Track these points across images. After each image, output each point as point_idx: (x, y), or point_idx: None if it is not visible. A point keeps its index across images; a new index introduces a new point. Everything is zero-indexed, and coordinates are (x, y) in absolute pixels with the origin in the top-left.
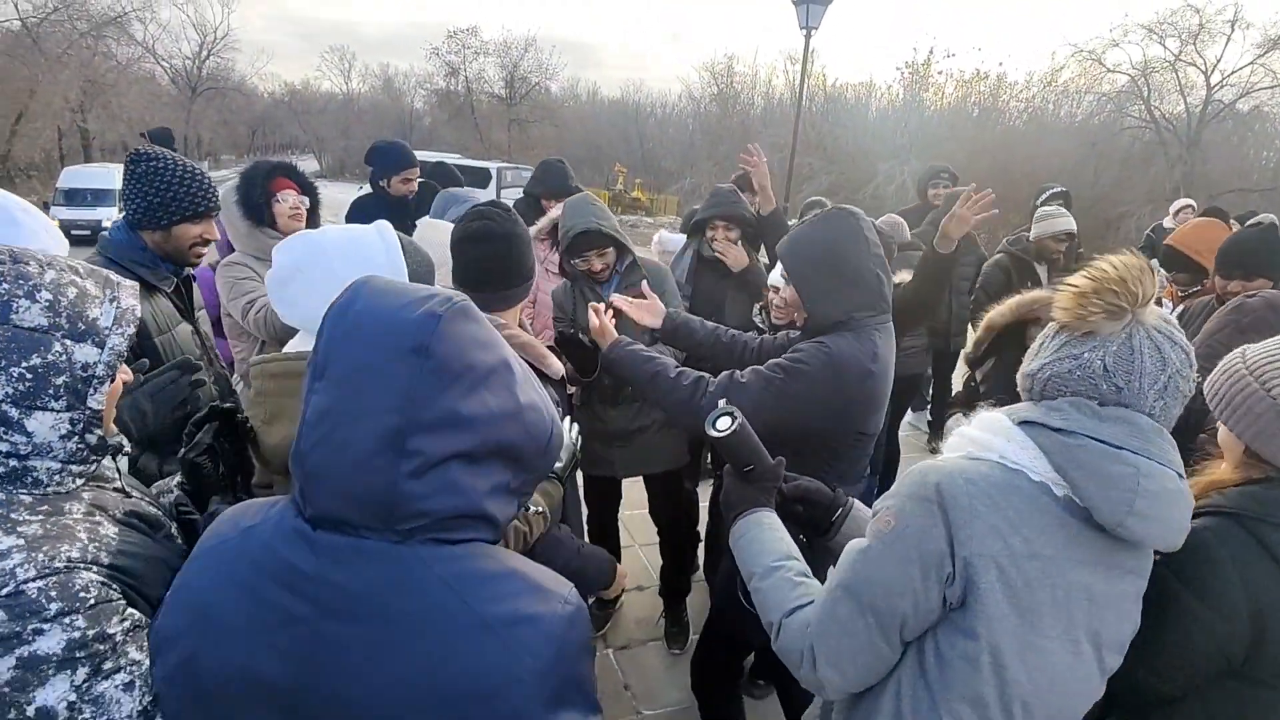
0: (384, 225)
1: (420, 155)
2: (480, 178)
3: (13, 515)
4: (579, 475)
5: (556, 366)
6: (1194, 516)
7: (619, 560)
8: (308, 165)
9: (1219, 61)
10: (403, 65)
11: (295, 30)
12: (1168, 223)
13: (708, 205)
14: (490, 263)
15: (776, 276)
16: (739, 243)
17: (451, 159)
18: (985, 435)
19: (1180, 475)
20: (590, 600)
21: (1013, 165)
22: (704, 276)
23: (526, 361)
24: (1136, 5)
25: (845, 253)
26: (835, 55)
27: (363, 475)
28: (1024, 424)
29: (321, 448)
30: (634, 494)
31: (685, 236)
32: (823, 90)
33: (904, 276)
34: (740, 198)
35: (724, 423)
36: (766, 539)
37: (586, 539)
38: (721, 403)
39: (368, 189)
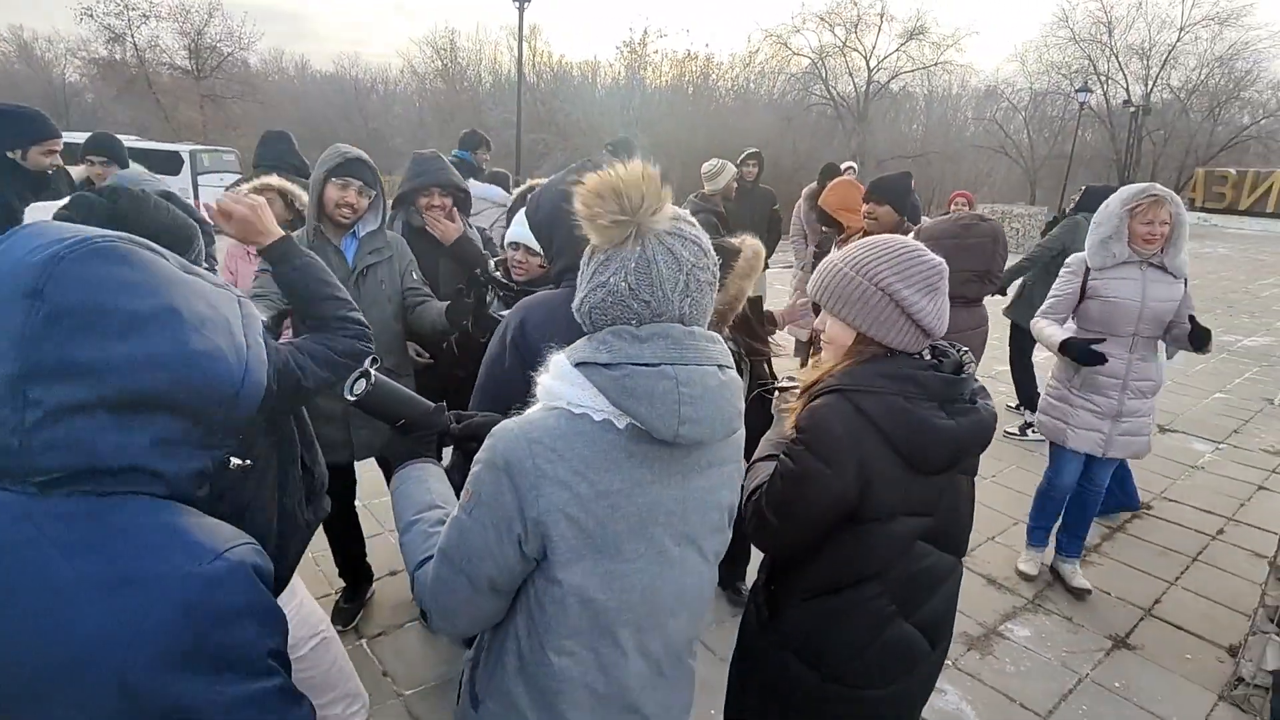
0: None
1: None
2: (169, 162)
3: None
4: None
5: None
6: (815, 397)
7: (365, 549)
8: None
9: (874, 48)
10: (43, 28)
11: None
12: None
13: (414, 174)
14: None
15: (517, 233)
16: (452, 210)
17: (128, 141)
18: (555, 382)
19: (721, 366)
20: (338, 593)
21: (726, 139)
22: (414, 246)
23: None
24: None
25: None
26: (561, 34)
27: None
28: (579, 365)
29: None
30: (377, 477)
31: (491, 187)
32: (550, 68)
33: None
34: (445, 163)
35: (359, 386)
36: (411, 492)
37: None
38: (367, 362)
39: None
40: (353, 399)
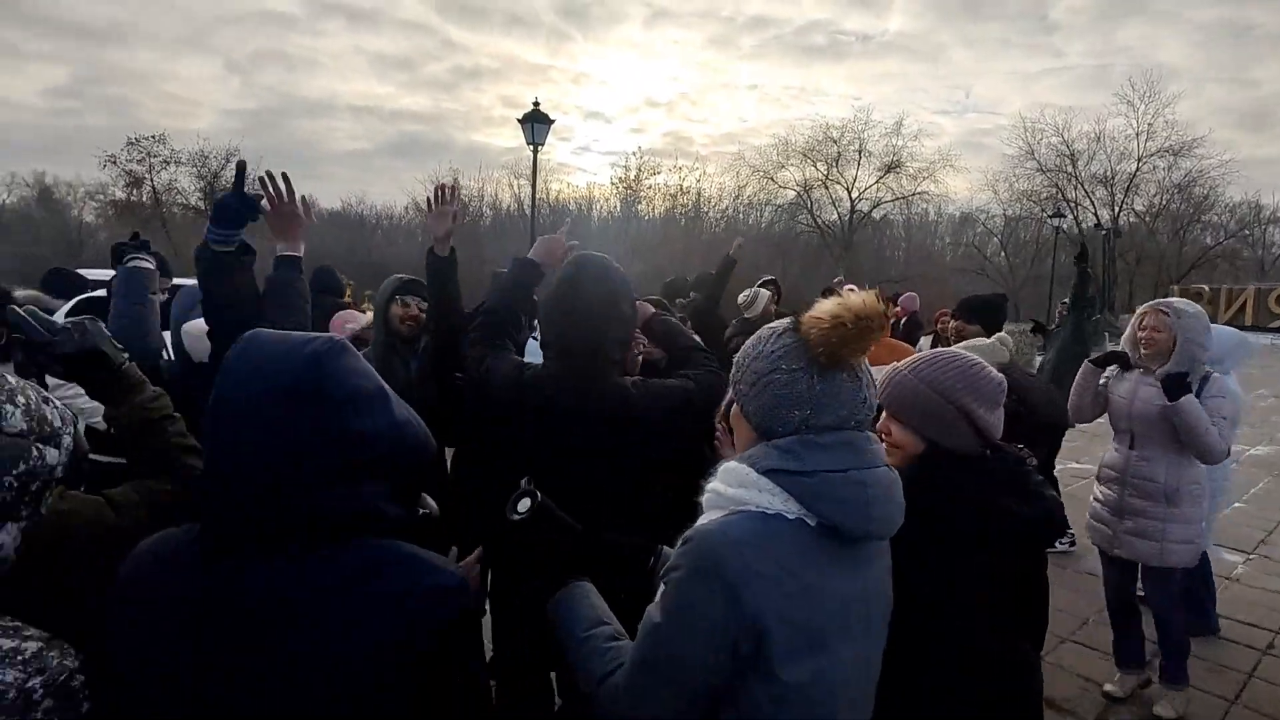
0: None
1: (95, 274)
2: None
3: None
4: None
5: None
6: None
7: None
8: None
9: (855, 181)
10: (65, 173)
11: None
12: None
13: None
14: None
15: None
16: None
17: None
18: (738, 490)
19: (888, 466)
20: None
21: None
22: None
23: None
24: (795, 134)
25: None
26: (554, 170)
27: (271, 497)
28: (768, 472)
29: (228, 480)
30: None
31: None
32: (547, 202)
33: None
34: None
35: (524, 504)
36: (577, 609)
37: None
38: (524, 481)
39: None
40: (516, 518)
